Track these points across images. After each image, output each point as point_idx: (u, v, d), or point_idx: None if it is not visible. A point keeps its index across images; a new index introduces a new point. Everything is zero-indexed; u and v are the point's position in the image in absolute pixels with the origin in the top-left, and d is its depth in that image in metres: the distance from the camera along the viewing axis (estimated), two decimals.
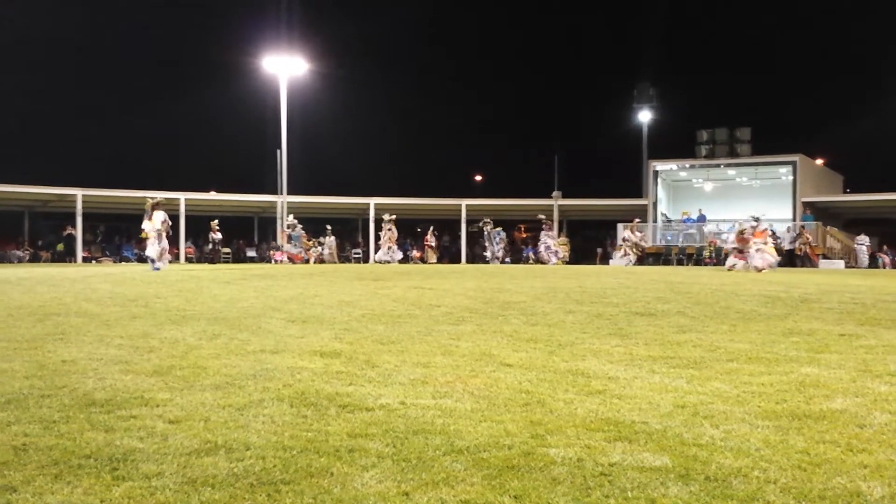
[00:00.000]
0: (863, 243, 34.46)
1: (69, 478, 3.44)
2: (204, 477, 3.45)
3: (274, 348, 6.92)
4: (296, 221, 35.37)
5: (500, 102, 76.44)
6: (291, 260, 34.22)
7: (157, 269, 21.37)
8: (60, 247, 39.41)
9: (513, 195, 44.70)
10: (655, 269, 25.30)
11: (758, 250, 22.96)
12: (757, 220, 24.17)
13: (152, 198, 24.30)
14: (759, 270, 22.21)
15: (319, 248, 36.16)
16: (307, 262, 34.04)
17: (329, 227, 37.94)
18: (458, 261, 40.65)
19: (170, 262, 23.72)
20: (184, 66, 66.11)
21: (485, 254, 36.00)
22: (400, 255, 33.71)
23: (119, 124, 58.09)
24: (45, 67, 56.93)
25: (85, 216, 38.45)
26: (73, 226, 38.15)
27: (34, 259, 37.55)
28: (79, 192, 37.45)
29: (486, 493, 3.29)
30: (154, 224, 22.49)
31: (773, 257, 23.35)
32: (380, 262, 32.54)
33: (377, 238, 36.40)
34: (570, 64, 77.52)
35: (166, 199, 39.62)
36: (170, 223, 23.67)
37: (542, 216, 34.55)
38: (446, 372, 5.88)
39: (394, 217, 33.18)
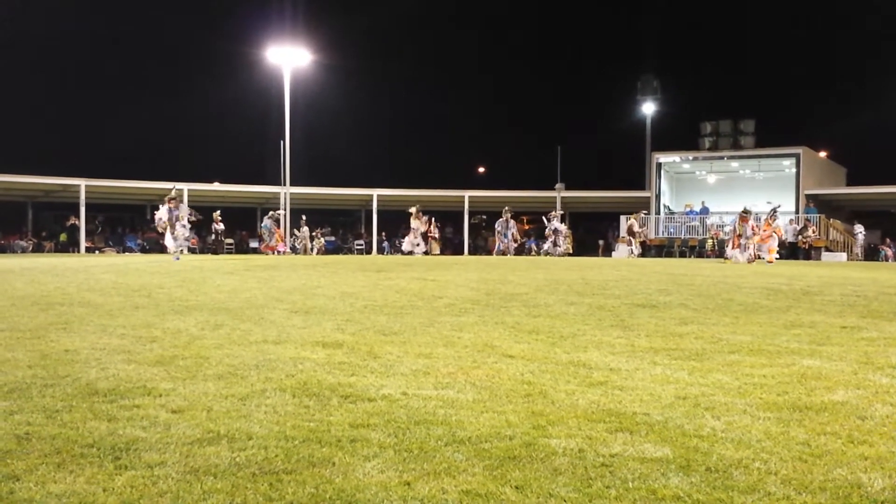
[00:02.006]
0: (860, 231, 34.69)
1: (72, 467, 3.45)
2: (206, 466, 3.46)
3: (276, 339, 6.93)
4: (277, 214, 34.66)
5: (504, 94, 76.46)
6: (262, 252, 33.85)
7: (178, 258, 21.74)
8: (64, 237, 39.49)
9: (516, 187, 44.66)
10: (658, 262, 25.30)
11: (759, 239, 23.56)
12: (775, 209, 24.66)
13: (177, 189, 24.70)
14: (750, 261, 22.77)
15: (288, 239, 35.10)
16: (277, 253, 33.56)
17: (304, 217, 37.53)
18: (460, 252, 40.64)
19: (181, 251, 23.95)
20: (187, 58, 66.18)
21: (499, 245, 34.28)
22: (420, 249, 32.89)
23: (122, 115, 58.15)
24: (48, 60, 56.95)
25: (88, 207, 38.51)
26: (77, 216, 38.20)
27: (37, 249, 37.64)
28: (82, 183, 37.51)
29: (487, 484, 3.29)
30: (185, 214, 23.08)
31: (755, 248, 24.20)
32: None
33: (405, 230, 35.23)
34: (574, 56, 77.39)
35: (170, 189, 39.83)
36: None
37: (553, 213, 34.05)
38: (448, 363, 5.89)
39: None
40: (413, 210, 32.19)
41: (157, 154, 56.51)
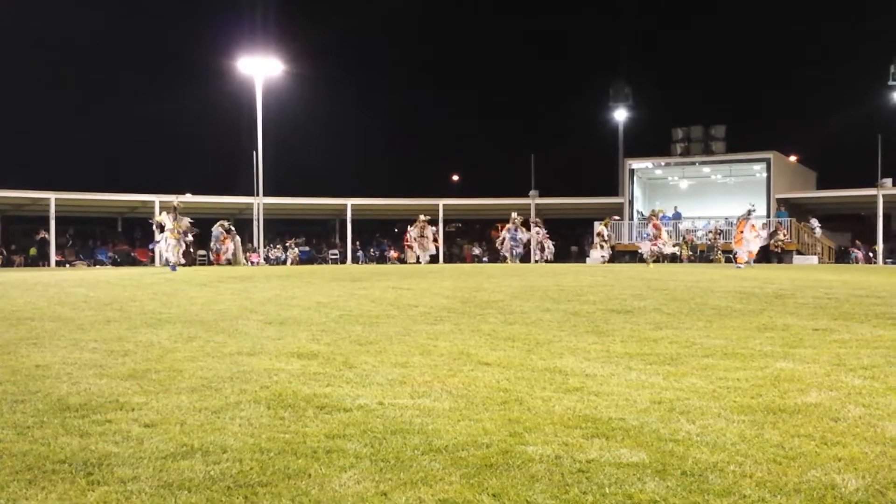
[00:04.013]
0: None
1: (43, 483, 3.40)
2: (180, 480, 3.43)
3: (251, 350, 6.88)
4: (228, 224, 33.66)
5: (477, 103, 76.66)
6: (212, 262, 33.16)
7: (175, 269, 22.25)
8: (33, 251, 39.00)
9: (490, 195, 44.76)
10: (631, 267, 25.43)
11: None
12: (749, 212, 25.52)
13: (175, 201, 25.05)
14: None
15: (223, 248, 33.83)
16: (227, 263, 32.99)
17: (233, 228, 36.13)
18: (436, 260, 40.63)
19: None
20: (157, 68, 65.80)
21: (505, 253, 32.98)
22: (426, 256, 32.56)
23: (92, 126, 57.59)
24: (16, 70, 56.35)
25: (58, 220, 38.10)
26: (47, 229, 37.77)
27: (7, 264, 37.14)
28: (52, 196, 37.10)
29: (464, 492, 3.28)
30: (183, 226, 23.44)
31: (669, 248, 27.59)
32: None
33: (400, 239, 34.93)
34: (546, 63, 77.77)
35: (141, 201, 39.44)
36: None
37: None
38: (424, 371, 5.88)
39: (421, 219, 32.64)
40: (422, 220, 32.26)
41: (128, 166, 56.11)
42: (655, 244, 27.25)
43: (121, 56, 65.10)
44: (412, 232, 33.12)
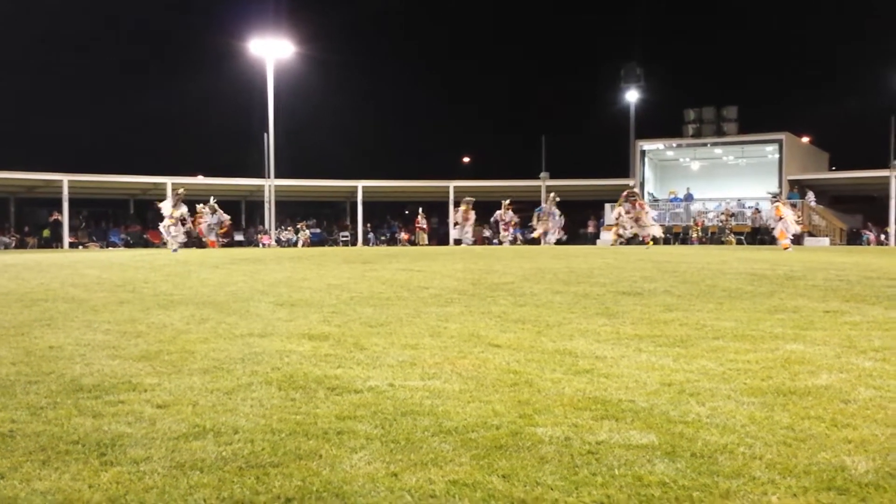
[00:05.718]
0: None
1: (57, 464, 3.43)
2: (192, 461, 3.45)
3: (262, 332, 6.92)
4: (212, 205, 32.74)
5: (488, 84, 76.36)
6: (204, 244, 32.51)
7: (176, 251, 23.16)
8: (47, 233, 39.25)
9: (501, 176, 44.68)
10: (642, 249, 25.38)
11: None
12: (775, 195, 25.41)
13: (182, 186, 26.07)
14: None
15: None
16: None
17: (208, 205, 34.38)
18: (446, 242, 40.63)
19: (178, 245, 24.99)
20: (168, 49, 65.75)
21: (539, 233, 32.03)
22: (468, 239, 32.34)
23: (104, 109, 57.71)
24: (27, 53, 56.45)
25: (71, 202, 38.28)
26: (60, 211, 37.97)
27: (21, 245, 37.38)
28: (65, 178, 37.29)
29: (474, 473, 3.30)
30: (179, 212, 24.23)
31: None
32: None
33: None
34: (557, 44, 77.36)
35: (153, 183, 39.59)
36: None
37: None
38: (434, 353, 5.89)
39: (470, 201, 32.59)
40: (468, 203, 32.26)
41: (140, 148, 56.23)
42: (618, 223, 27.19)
43: (133, 38, 65.12)
44: (457, 216, 32.99)
